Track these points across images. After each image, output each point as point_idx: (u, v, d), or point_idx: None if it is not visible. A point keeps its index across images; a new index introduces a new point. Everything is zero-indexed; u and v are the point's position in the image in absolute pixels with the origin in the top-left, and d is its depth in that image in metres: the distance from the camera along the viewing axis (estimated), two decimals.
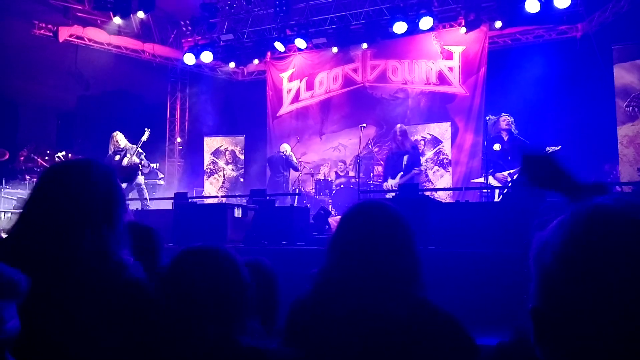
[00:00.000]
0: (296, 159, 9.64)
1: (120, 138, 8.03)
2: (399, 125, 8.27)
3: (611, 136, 7.83)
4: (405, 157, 7.89)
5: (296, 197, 8.54)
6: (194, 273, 1.33)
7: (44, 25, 9.80)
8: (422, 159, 9.12)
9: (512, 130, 7.30)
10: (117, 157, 7.83)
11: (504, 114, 7.44)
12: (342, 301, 1.37)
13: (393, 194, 7.55)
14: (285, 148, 9.50)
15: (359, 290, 1.37)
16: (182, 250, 1.40)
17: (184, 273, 1.34)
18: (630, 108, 7.74)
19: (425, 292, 1.42)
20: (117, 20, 9.89)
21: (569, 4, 8.01)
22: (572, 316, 0.61)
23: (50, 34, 9.85)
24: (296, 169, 9.51)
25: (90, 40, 10.27)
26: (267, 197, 6.90)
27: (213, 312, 1.28)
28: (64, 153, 8.59)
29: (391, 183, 7.84)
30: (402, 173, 7.86)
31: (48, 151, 9.85)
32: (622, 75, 7.83)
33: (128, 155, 7.89)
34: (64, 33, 9.90)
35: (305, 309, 1.44)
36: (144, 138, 8.11)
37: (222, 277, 1.33)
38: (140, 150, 7.99)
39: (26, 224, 1.29)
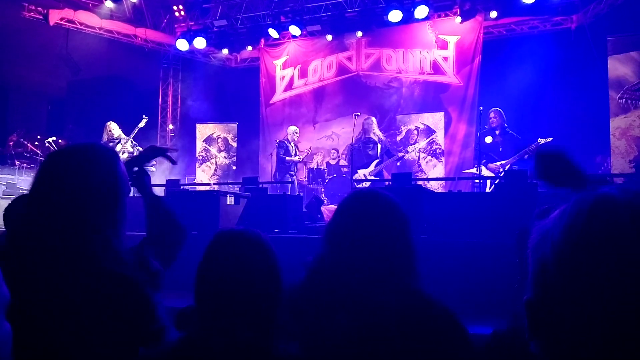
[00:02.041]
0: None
1: (114, 127, 7.98)
2: (367, 116, 8.59)
3: (604, 128, 7.86)
4: (379, 146, 8.04)
5: (289, 185, 8.52)
6: (230, 260, 1.36)
7: (34, 7, 9.64)
8: (415, 148, 9.14)
9: (502, 123, 7.34)
10: (110, 146, 7.78)
11: (493, 108, 7.46)
12: (336, 290, 1.37)
13: (367, 183, 7.69)
14: (296, 132, 9.12)
15: (353, 279, 1.37)
16: (219, 233, 1.43)
17: (222, 258, 1.36)
18: (624, 100, 7.77)
19: (420, 283, 1.41)
20: (109, 4, 9.77)
21: None
22: (569, 309, 0.59)
23: (41, 17, 9.70)
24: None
25: (81, 24, 10.12)
26: (260, 185, 6.88)
27: (247, 310, 1.30)
28: (54, 138, 8.51)
29: (364, 173, 7.91)
30: (377, 160, 7.95)
31: (38, 136, 9.74)
32: (616, 67, 7.85)
33: (121, 143, 7.84)
34: (55, 16, 9.75)
35: (298, 297, 1.44)
36: (141, 125, 8.08)
37: (258, 267, 1.36)
38: (132, 140, 7.95)
39: (30, 215, 1.25)
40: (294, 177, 8.77)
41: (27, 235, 1.22)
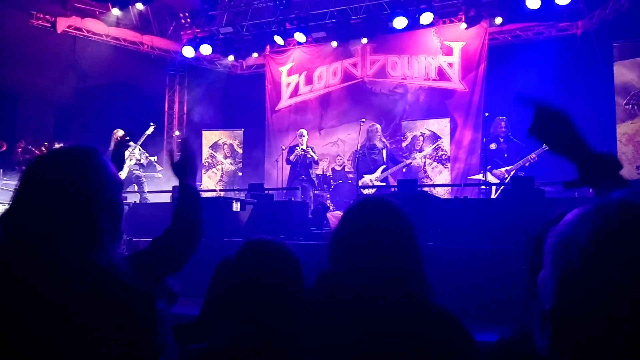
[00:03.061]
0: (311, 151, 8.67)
1: (121, 134, 8.01)
2: (372, 123, 8.55)
3: (610, 134, 7.83)
4: (384, 152, 8.07)
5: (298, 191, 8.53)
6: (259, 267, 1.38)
7: (41, 15, 9.73)
8: (420, 155, 9.14)
9: (507, 132, 7.36)
10: None
11: (503, 117, 7.47)
12: (343, 296, 1.37)
13: (373, 189, 7.69)
14: (302, 134, 8.77)
15: (360, 286, 1.37)
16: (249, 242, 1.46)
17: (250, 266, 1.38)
18: (630, 106, 7.74)
19: (427, 290, 1.41)
20: (116, 11, 9.84)
21: (569, 0, 8.00)
22: (599, 318, 0.57)
23: (48, 25, 9.79)
24: (317, 162, 8.85)
25: (88, 31, 10.21)
26: (266, 192, 6.89)
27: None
28: (61, 145, 8.56)
29: (370, 178, 7.93)
30: (384, 167, 7.97)
31: (46, 143, 9.80)
32: (622, 72, 7.83)
33: (129, 151, 7.88)
34: (62, 24, 9.84)
35: (307, 303, 1.44)
36: (149, 132, 8.13)
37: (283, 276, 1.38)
38: (140, 148, 7.99)
39: (12, 224, 1.20)
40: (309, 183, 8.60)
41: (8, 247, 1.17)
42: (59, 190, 1.21)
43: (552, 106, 1.07)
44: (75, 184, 1.23)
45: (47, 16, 9.76)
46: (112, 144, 7.95)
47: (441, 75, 9.80)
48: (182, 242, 1.67)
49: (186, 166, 1.87)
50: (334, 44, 10.32)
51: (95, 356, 1.10)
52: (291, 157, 8.57)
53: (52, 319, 1.09)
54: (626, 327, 0.55)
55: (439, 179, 9.02)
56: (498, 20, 8.95)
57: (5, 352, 1.07)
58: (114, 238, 1.29)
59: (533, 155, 6.92)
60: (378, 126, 8.45)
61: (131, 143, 7.97)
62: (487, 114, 7.52)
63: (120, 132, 8.02)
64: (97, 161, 1.30)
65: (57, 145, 8.47)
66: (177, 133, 11.93)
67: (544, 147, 6.76)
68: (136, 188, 7.93)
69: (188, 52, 10.54)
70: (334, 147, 10.50)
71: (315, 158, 8.61)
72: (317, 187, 8.65)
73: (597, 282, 0.58)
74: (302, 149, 8.53)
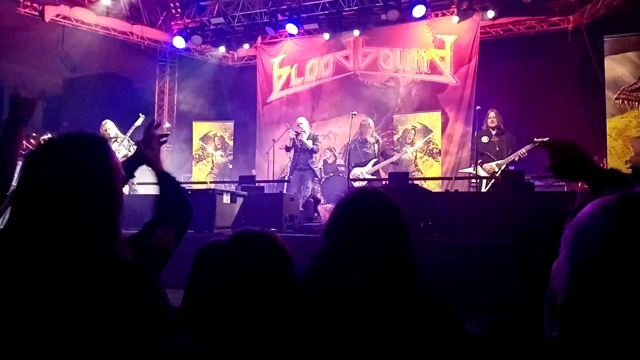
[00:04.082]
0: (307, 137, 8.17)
1: (109, 127, 7.93)
2: (365, 118, 8.47)
3: (600, 128, 7.88)
4: (376, 146, 8.04)
5: (285, 184, 8.50)
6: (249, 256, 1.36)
7: (29, 4, 9.57)
8: (412, 148, 9.14)
9: (499, 125, 7.37)
10: None
11: (493, 109, 7.48)
12: (334, 285, 1.38)
13: (364, 182, 7.64)
14: (302, 122, 8.32)
15: (351, 274, 1.38)
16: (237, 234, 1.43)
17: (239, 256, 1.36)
18: (620, 100, 7.79)
19: (417, 279, 1.43)
20: (105, 0, 9.72)
21: None
22: (612, 312, 0.57)
23: (36, 14, 9.64)
24: (315, 152, 8.25)
25: (77, 20, 10.07)
26: (257, 184, 6.86)
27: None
28: (49, 136, 8.46)
29: (360, 171, 7.91)
30: (375, 160, 7.96)
31: (34, 134, 9.69)
32: (613, 67, 7.87)
33: (117, 142, 7.81)
34: (50, 12, 9.69)
35: (298, 293, 1.44)
36: (138, 123, 8.04)
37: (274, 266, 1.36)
38: (129, 140, 7.90)
39: (16, 218, 1.15)
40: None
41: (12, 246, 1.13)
42: (79, 179, 1.17)
43: (562, 142, 1.10)
44: (96, 172, 1.20)
45: (35, 4, 9.60)
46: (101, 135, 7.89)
47: (433, 68, 9.79)
48: (174, 221, 1.67)
49: (154, 155, 1.90)
50: (326, 36, 10.26)
51: (111, 350, 1.06)
52: (287, 143, 8.29)
53: (70, 314, 1.05)
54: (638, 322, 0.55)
55: (430, 173, 9.03)
56: (490, 14, 8.95)
57: (21, 344, 1.03)
58: (114, 211, 1.25)
59: (523, 151, 6.96)
60: (371, 121, 8.42)
61: (119, 135, 7.91)
62: (478, 108, 7.53)
63: (107, 124, 7.95)
64: (109, 150, 1.27)
65: (45, 136, 8.37)
66: (167, 125, 11.84)
67: (534, 143, 6.80)
68: None
69: (178, 42, 10.44)
70: (325, 140, 10.46)
71: (309, 146, 8.11)
72: (317, 176, 8.29)
73: (613, 276, 0.58)
74: (293, 132, 8.18)
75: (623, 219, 0.60)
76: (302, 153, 8.17)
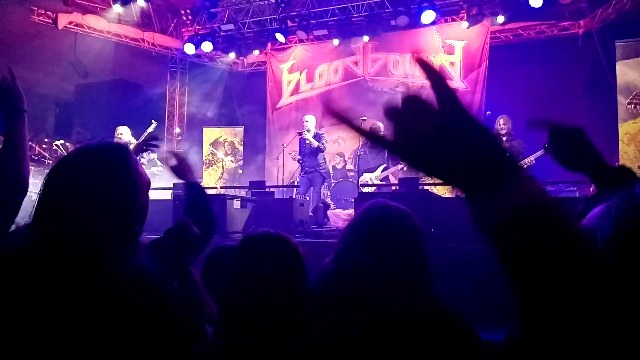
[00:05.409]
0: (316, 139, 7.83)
1: (123, 132, 7.98)
2: (374, 122, 8.32)
3: (612, 133, 7.82)
4: (385, 151, 7.87)
5: (294, 189, 8.52)
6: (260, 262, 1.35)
7: (43, 12, 9.71)
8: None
9: (509, 131, 7.32)
10: None
11: (503, 115, 7.43)
12: (350, 295, 1.37)
13: (373, 188, 7.57)
14: (305, 119, 8.01)
15: (368, 285, 1.38)
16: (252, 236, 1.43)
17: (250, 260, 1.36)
18: (632, 105, 7.73)
19: (433, 290, 1.43)
20: (117, 8, 9.82)
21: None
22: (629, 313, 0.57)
23: (50, 21, 9.78)
24: (321, 150, 7.91)
25: (89, 28, 10.20)
26: (267, 189, 6.88)
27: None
28: (62, 141, 8.55)
29: (370, 177, 7.83)
30: (384, 165, 7.86)
31: (46, 139, 9.80)
32: (625, 72, 7.81)
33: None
34: (63, 20, 9.82)
35: (312, 301, 1.44)
36: (150, 130, 8.09)
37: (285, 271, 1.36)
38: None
39: (39, 228, 1.15)
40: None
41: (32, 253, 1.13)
42: (98, 190, 1.17)
43: (566, 126, 0.99)
44: (116, 183, 1.19)
45: (49, 12, 9.74)
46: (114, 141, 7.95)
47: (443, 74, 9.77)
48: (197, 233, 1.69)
49: (182, 167, 1.99)
50: (336, 41, 10.29)
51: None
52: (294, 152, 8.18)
53: (85, 323, 1.06)
54: None
55: None
56: (500, 19, 8.92)
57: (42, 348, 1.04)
58: (140, 219, 1.26)
59: (531, 158, 6.89)
60: (381, 125, 8.38)
61: (132, 141, 7.97)
62: (488, 113, 7.50)
63: (120, 129, 8.01)
64: (131, 159, 1.27)
65: (57, 142, 8.46)
66: (177, 130, 11.92)
67: (542, 151, 6.75)
68: None
69: (189, 49, 10.53)
70: (334, 145, 10.47)
71: (314, 145, 7.76)
72: (326, 179, 8.09)
73: (620, 269, 0.58)
74: (299, 132, 7.91)
75: (628, 217, 0.60)
76: (307, 156, 7.94)
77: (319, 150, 7.85)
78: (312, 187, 7.89)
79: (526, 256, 0.49)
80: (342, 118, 0.58)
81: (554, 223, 0.50)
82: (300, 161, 8.11)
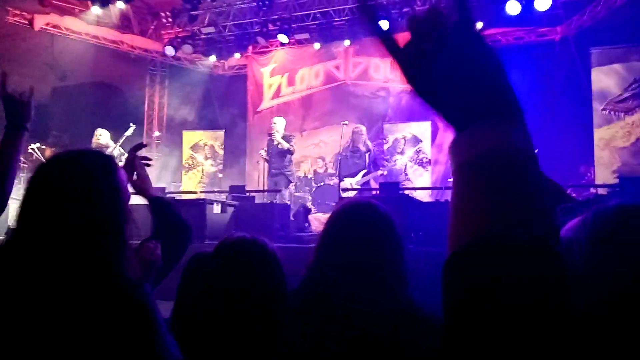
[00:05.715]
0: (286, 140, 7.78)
1: (101, 134, 7.86)
2: (357, 125, 8.35)
3: (588, 139, 7.97)
4: (367, 155, 7.91)
5: (277, 194, 8.49)
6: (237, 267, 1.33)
7: (18, 12, 9.53)
8: (403, 157, 9.18)
9: None
10: None
11: None
12: (328, 298, 1.37)
13: (354, 192, 7.53)
14: (276, 122, 7.92)
15: (344, 287, 1.38)
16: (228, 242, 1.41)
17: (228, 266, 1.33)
18: (607, 111, 7.89)
19: (409, 291, 1.43)
20: (96, 9, 9.69)
21: (549, 6, 8.12)
22: (599, 309, 0.59)
23: (26, 22, 9.60)
24: (290, 152, 7.83)
25: (67, 29, 10.04)
26: (247, 194, 6.85)
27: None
28: (38, 145, 8.39)
29: (350, 182, 7.81)
30: (365, 170, 7.86)
31: None
32: (600, 79, 7.98)
33: (108, 152, 7.75)
34: (40, 21, 9.65)
35: (291, 305, 1.43)
36: (128, 133, 7.98)
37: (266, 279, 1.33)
38: (120, 149, 7.83)
39: (20, 234, 1.14)
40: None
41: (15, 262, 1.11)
42: (85, 197, 1.16)
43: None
44: (100, 191, 1.19)
45: (25, 13, 9.56)
46: (93, 144, 7.82)
47: None
48: (170, 248, 1.64)
49: (142, 181, 1.80)
50: (317, 45, 10.31)
51: None
52: (264, 150, 7.97)
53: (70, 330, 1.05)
54: (625, 314, 0.58)
55: (420, 182, 9.07)
56: (478, 24, 8.99)
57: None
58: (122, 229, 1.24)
59: None
60: (363, 128, 8.36)
61: (110, 144, 7.86)
62: None
63: (99, 131, 7.88)
64: (115, 167, 1.26)
65: (34, 146, 8.29)
66: (156, 134, 11.80)
67: None
68: None
69: (169, 51, 10.45)
70: (315, 149, 10.49)
71: (284, 146, 7.64)
72: (292, 182, 8.00)
73: (598, 277, 0.60)
74: (269, 132, 7.82)
75: (603, 228, 0.63)
76: (274, 157, 7.78)
77: (288, 152, 7.76)
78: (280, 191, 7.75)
79: (486, 199, 0.47)
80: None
81: (524, 182, 0.48)
82: (268, 161, 7.96)
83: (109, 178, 1.22)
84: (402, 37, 0.57)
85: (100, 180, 1.20)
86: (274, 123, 7.91)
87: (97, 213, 1.16)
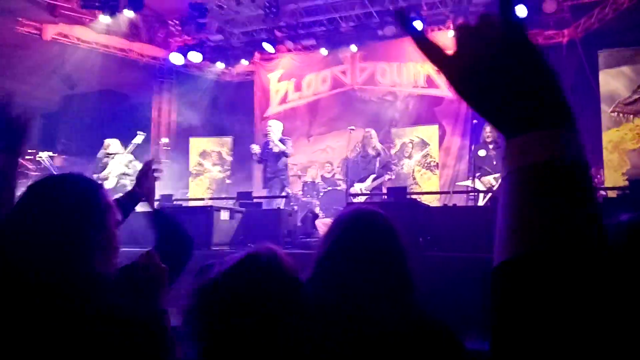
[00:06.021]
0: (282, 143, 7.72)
1: (110, 143, 7.92)
2: (367, 129, 8.37)
3: (596, 141, 7.91)
4: (377, 160, 7.91)
5: (283, 200, 8.49)
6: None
7: (28, 23, 9.65)
8: (410, 162, 9.15)
9: (496, 139, 7.36)
10: (104, 161, 7.78)
11: (488, 124, 7.47)
12: (333, 305, 1.36)
13: (363, 197, 7.51)
14: (271, 125, 7.91)
15: (350, 294, 1.37)
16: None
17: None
18: (616, 114, 7.84)
19: (416, 298, 1.42)
20: (105, 19, 9.78)
21: (555, 9, 8.10)
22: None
23: (36, 32, 9.71)
24: (286, 155, 7.79)
25: (77, 38, 10.14)
26: (254, 200, 6.86)
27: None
28: (49, 154, 8.47)
29: (360, 187, 7.81)
30: (374, 175, 7.86)
31: (29, 150, 9.70)
32: (608, 81, 7.92)
33: (116, 159, 7.81)
34: (50, 31, 9.76)
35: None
36: (137, 141, 8.03)
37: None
38: (130, 156, 7.88)
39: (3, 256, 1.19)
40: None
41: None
42: (55, 213, 1.22)
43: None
44: (85, 217, 1.25)
45: (35, 23, 9.67)
46: (102, 151, 7.89)
47: (430, 82, 9.86)
48: (172, 258, 1.65)
49: (148, 192, 1.92)
50: (324, 51, 10.34)
51: None
52: (256, 151, 7.80)
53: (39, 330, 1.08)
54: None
55: (428, 185, 9.05)
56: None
57: None
58: (107, 254, 1.29)
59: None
60: (373, 132, 8.33)
61: (118, 152, 7.92)
62: (475, 121, 7.56)
63: (108, 141, 7.95)
64: (102, 194, 1.34)
65: (44, 155, 8.37)
66: (164, 140, 11.86)
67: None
68: None
69: (177, 59, 10.52)
70: (323, 154, 10.50)
71: (280, 148, 7.59)
72: (286, 186, 7.91)
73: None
74: (265, 134, 7.77)
75: (615, 242, 0.62)
76: (269, 160, 7.69)
77: (283, 154, 7.69)
78: (274, 192, 7.71)
79: (540, 210, 0.48)
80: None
81: (582, 191, 0.48)
82: (262, 162, 7.88)
83: (92, 203, 1.29)
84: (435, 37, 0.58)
85: (81, 205, 1.27)
86: (269, 126, 7.89)
87: (77, 236, 1.22)
